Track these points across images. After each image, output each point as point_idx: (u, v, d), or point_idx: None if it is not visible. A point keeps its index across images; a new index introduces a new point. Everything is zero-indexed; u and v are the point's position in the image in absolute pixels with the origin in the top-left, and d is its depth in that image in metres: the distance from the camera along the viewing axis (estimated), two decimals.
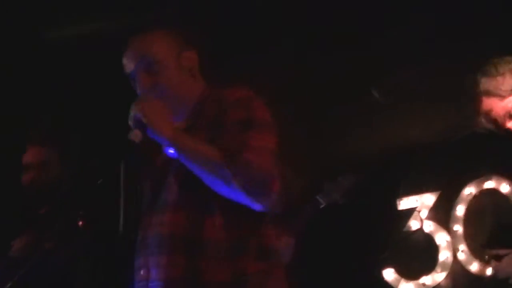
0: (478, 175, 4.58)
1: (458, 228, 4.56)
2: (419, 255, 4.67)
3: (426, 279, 4.58)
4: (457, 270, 4.52)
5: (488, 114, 3.40)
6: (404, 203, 4.80)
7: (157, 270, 1.99)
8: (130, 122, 2.07)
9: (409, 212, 4.79)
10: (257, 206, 1.95)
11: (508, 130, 3.44)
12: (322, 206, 3.14)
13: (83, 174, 2.50)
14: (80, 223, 2.49)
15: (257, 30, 3.65)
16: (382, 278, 4.73)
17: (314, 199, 3.17)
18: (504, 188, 4.50)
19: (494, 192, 4.56)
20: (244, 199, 1.94)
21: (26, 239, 3.08)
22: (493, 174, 4.54)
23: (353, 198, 3.31)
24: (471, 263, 4.44)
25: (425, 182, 4.76)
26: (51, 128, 3.26)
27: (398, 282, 4.69)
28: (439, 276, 4.55)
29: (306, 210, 3.16)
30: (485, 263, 4.28)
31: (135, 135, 2.03)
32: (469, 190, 4.58)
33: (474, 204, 4.58)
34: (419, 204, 4.74)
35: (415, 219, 4.74)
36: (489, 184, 4.55)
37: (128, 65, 2.20)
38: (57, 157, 3.26)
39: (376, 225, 4.73)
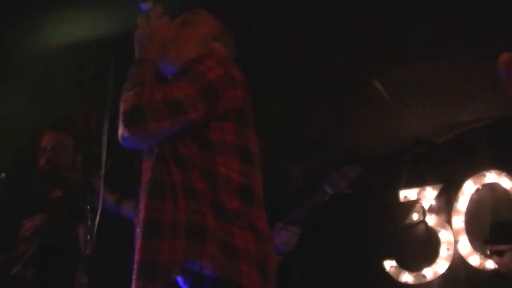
0: (479, 169, 4.63)
1: (460, 221, 4.60)
2: (420, 247, 4.72)
3: (427, 271, 4.64)
4: (458, 263, 4.55)
5: None
6: (406, 195, 4.85)
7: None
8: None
9: (411, 204, 4.83)
10: (125, 139, 1.83)
11: None
12: (329, 195, 3.12)
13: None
14: (88, 208, 2.48)
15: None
16: (383, 269, 4.78)
17: (320, 188, 3.14)
18: (505, 182, 4.56)
19: (495, 186, 4.61)
20: (120, 127, 1.82)
21: (38, 220, 3.12)
22: (494, 168, 4.59)
23: (357, 189, 3.29)
24: (472, 256, 4.48)
25: (427, 175, 4.80)
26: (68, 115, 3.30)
27: (399, 273, 4.75)
28: (440, 268, 4.60)
29: (313, 199, 3.14)
30: (485, 256, 4.33)
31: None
32: (470, 184, 4.62)
33: (476, 198, 4.62)
34: (421, 197, 4.80)
35: (417, 211, 4.80)
36: (490, 178, 4.60)
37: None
38: (72, 142, 3.31)
39: (378, 217, 4.76)
